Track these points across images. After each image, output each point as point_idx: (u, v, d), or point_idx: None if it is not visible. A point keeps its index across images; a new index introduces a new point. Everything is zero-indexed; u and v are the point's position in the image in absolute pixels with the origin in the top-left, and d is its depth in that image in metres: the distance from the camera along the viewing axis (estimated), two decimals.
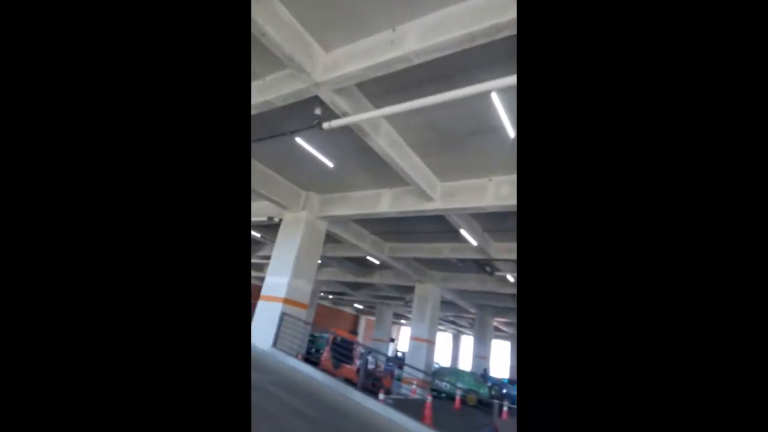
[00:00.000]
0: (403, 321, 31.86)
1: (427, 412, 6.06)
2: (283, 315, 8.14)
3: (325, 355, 8.18)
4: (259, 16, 3.87)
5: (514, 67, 3.92)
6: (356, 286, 20.02)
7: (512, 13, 3.26)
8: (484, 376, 16.99)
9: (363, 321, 33.81)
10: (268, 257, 16.53)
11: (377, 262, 15.08)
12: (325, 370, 7.41)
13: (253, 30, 4.00)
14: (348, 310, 31.67)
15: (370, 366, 7.72)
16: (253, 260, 17.35)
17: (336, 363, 7.95)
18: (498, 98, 4.70)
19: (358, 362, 8.06)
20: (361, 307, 28.56)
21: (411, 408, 6.37)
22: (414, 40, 3.89)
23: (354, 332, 9.52)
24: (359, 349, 8.30)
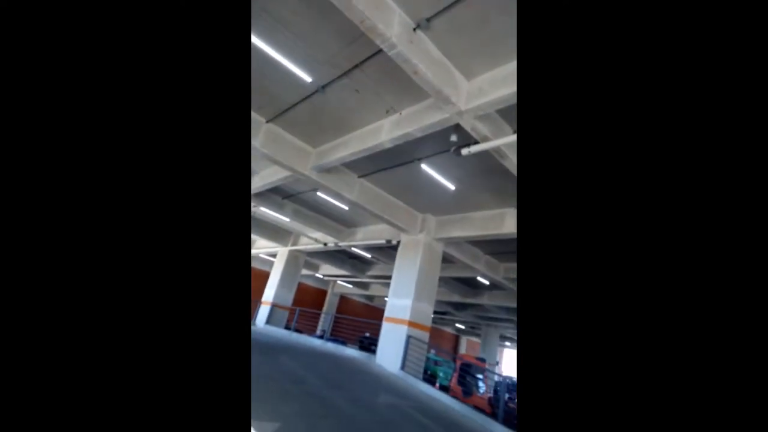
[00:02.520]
0: (507, 344, 30.02)
1: None
2: (409, 338, 8.23)
3: (454, 381, 8.00)
4: (413, 55, 4.07)
5: None
6: (461, 306, 19.52)
7: None
8: None
9: (464, 341, 32.73)
10: (378, 276, 17.21)
11: (487, 283, 14.52)
12: (455, 397, 7.23)
13: (405, 68, 4.22)
14: (448, 329, 30.99)
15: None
16: (361, 279, 18.12)
17: (466, 391, 7.71)
18: None
19: (482, 390, 7.71)
20: (462, 327, 27.73)
21: None
22: None
23: (480, 359, 9.15)
24: (495, 378, 7.94)
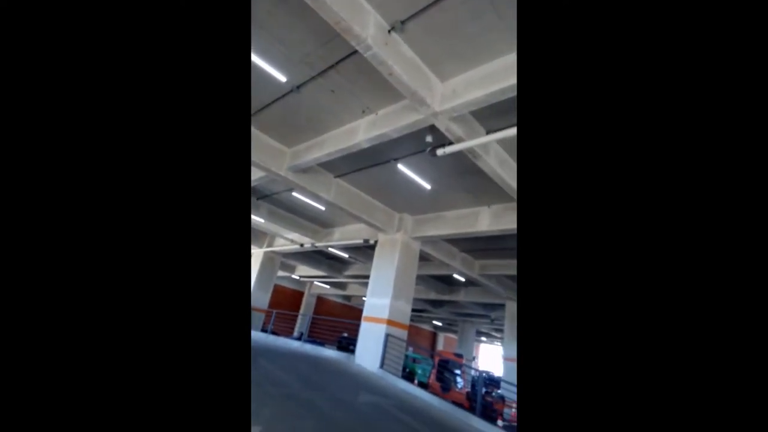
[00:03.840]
0: (483, 339, 30.68)
1: None
2: (387, 336, 8.28)
3: (432, 377, 8.12)
4: (388, 57, 4.11)
5: None
6: (438, 304, 19.79)
7: None
8: None
9: (442, 338, 33.19)
10: (355, 276, 17.19)
11: (463, 280, 14.80)
12: (433, 393, 7.35)
13: (381, 69, 4.25)
14: (425, 326, 31.34)
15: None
16: (338, 279, 18.04)
17: (444, 386, 7.85)
18: None
19: (459, 386, 7.89)
20: (439, 324, 28.11)
21: None
22: None
23: (458, 354, 9.38)
24: (472, 372, 8.11)
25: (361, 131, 5.89)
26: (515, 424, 8.30)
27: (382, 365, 8.02)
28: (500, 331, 21.42)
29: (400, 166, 7.03)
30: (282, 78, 5.33)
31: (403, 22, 4.08)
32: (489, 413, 6.70)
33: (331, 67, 5.01)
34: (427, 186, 7.64)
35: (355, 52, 4.31)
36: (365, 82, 5.18)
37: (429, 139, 5.41)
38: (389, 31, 4.15)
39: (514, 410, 9.86)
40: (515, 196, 6.51)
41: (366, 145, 5.91)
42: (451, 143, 5.36)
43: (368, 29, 3.91)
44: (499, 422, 6.16)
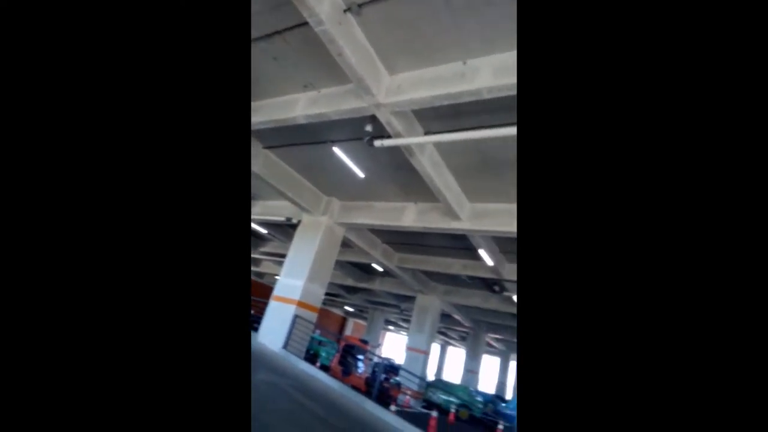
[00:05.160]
0: (390, 327, 31.94)
1: (433, 422, 6.25)
2: (296, 317, 8.20)
3: (335, 361, 8.25)
4: (339, 37, 3.99)
5: None
6: (353, 290, 20.08)
7: None
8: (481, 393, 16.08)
9: (351, 323, 33.80)
10: (271, 254, 16.61)
11: (380, 269, 15.18)
12: (334, 376, 7.48)
13: (330, 48, 4.12)
14: (336, 311, 31.64)
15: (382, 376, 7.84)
16: (253, 255, 17.30)
17: (346, 371, 8.03)
18: None
19: (360, 371, 8.17)
20: (351, 309, 28.59)
21: (416, 420, 6.49)
22: (489, 76, 4.04)
23: (363, 341, 9.65)
24: (374, 359, 8.39)
25: (300, 106, 5.66)
26: (407, 408, 8.85)
27: (285, 345, 7.93)
28: (407, 321, 22.49)
29: (336, 150, 6.92)
30: None
31: (360, 6, 3.98)
32: (384, 398, 7.03)
33: (278, 32, 4.71)
34: (361, 174, 7.64)
35: (306, 23, 4.11)
36: (311, 57, 4.98)
37: (368, 128, 5.40)
38: (345, 11, 4.02)
39: (407, 396, 10.47)
40: (441, 198, 6.82)
41: (303, 121, 5.71)
42: (389, 137, 5.41)
43: (323, 4, 3.74)
44: (392, 407, 6.49)
